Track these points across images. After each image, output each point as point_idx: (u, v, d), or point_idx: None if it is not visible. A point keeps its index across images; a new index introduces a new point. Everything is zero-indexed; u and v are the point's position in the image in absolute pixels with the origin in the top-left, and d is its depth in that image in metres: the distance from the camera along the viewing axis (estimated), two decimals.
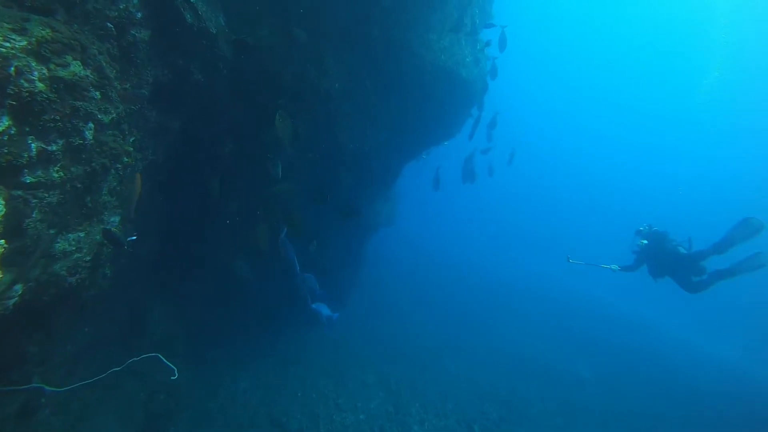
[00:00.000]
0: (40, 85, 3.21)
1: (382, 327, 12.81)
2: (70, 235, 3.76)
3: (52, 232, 3.64)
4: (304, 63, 7.18)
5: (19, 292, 3.41)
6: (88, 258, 3.91)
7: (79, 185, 3.72)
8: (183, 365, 7.63)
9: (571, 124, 61.84)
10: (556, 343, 14.66)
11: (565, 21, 52.15)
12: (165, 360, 4.32)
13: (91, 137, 3.72)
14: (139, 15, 4.36)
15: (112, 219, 4.34)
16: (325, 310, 9.58)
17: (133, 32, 4.15)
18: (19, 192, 3.30)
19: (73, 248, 3.77)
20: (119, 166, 4.24)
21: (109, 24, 3.90)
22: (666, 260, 8.02)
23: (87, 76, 3.62)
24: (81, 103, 3.57)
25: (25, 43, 3.11)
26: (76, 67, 3.48)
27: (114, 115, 4.02)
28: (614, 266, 8.62)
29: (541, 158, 57.63)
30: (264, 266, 8.74)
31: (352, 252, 12.17)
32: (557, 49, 55.48)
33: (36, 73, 3.19)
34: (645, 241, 8.37)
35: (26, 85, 3.12)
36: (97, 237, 4.01)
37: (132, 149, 4.47)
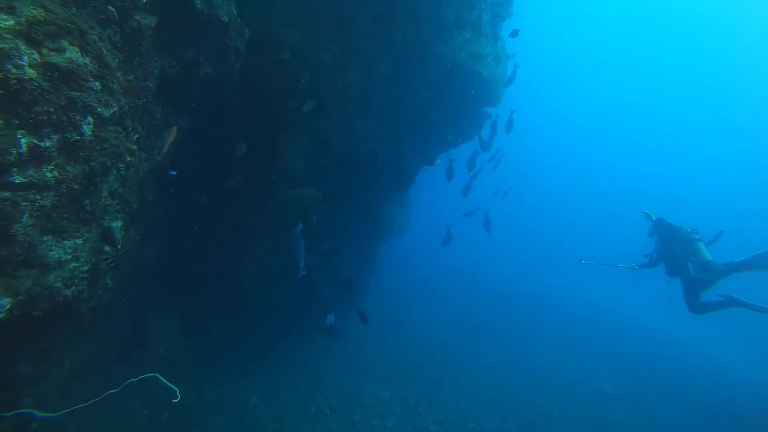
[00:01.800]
0: (31, 72, 2.82)
1: (395, 336, 12.32)
2: (66, 242, 3.35)
3: (45, 239, 3.25)
4: (321, 61, 6.80)
5: (7, 308, 3.00)
6: (86, 268, 3.50)
7: (76, 186, 3.32)
8: (188, 379, 7.23)
9: (588, 130, 61.17)
10: (576, 356, 14.05)
11: (576, 23, 51.80)
12: (165, 381, 3.89)
13: (89, 133, 3.32)
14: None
15: (113, 224, 3.93)
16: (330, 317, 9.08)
17: (137, 18, 3.76)
18: (7, 193, 2.90)
19: (70, 257, 3.36)
20: (121, 165, 3.85)
21: (110, 7, 3.51)
22: (678, 257, 7.43)
23: (86, 64, 3.24)
24: (78, 94, 3.18)
25: (12, 22, 2.72)
26: (73, 54, 3.09)
27: (116, 109, 3.63)
28: (632, 264, 8.16)
29: (561, 167, 57.14)
30: (272, 271, 8.36)
31: (364, 259, 11.73)
32: (579, 54, 54.99)
33: (26, 57, 2.80)
34: (653, 217, 7.93)
35: (14, 71, 2.73)
36: (97, 244, 3.61)
37: (136, 147, 4.08)
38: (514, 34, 10.01)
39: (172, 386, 3.87)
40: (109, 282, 4.29)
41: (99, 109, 3.38)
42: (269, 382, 8.45)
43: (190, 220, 7.23)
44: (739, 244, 9.75)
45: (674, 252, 7.55)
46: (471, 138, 11.21)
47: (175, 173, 5.16)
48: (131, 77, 3.91)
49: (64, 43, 3.02)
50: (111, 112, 3.56)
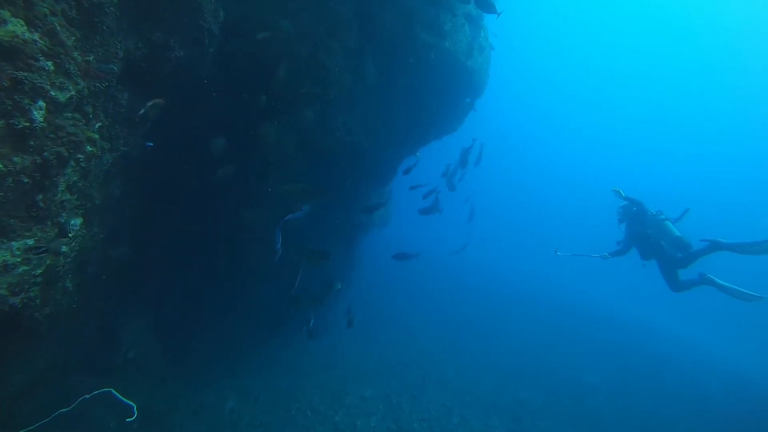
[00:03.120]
0: None
1: (376, 333, 12.12)
2: (13, 243, 2.96)
3: None
4: (301, 47, 6.43)
5: None
6: (39, 271, 3.12)
7: (25, 180, 2.93)
8: (162, 383, 6.84)
9: (568, 125, 62.12)
10: (559, 348, 14.18)
11: (565, 21, 52.24)
12: (119, 396, 3.55)
13: (41, 119, 2.93)
14: None
15: (72, 222, 3.54)
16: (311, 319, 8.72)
17: None
18: None
19: (18, 260, 2.97)
20: (81, 156, 3.45)
21: None
22: (651, 236, 7.46)
23: (34, 40, 2.84)
24: (26, 74, 2.79)
25: None
26: (17, 27, 2.69)
27: (73, 93, 3.24)
28: (603, 254, 8.20)
29: (531, 157, 57.85)
30: (252, 269, 8.00)
31: (347, 254, 11.45)
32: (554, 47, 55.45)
33: None
34: (622, 194, 7.94)
35: None
36: (53, 244, 3.22)
37: (98, 137, 3.68)
38: (496, 12, 9.58)
39: (127, 402, 3.53)
40: (69, 285, 3.89)
41: (52, 93, 2.99)
42: (249, 383, 8.13)
43: (164, 217, 6.80)
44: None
45: (646, 232, 7.57)
46: (455, 129, 11.02)
47: (151, 144, 4.76)
48: (91, 58, 3.50)
49: (5, 14, 2.62)
50: (67, 96, 3.17)
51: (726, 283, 6.91)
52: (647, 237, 7.54)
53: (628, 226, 7.99)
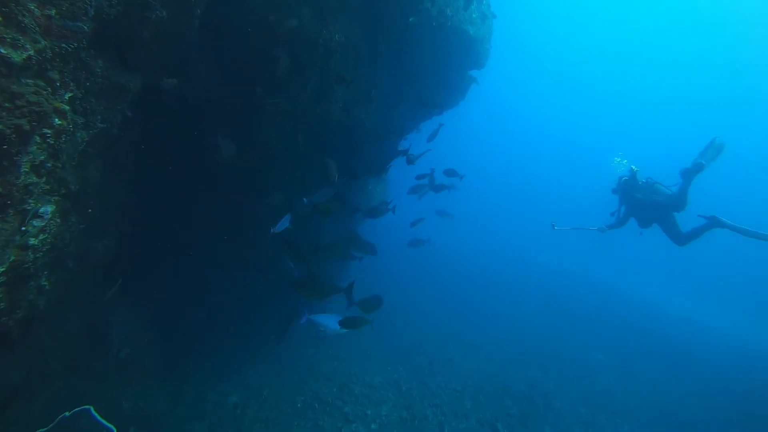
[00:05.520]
0: None
1: (378, 319, 11.76)
2: None
3: None
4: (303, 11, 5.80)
5: None
6: (0, 270, 2.60)
7: None
8: (161, 383, 6.39)
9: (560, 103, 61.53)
10: (562, 326, 14.00)
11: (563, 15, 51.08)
12: (97, 416, 3.09)
13: None
14: None
15: (41, 210, 3.00)
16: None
17: None
18: None
19: None
20: (48, 131, 2.90)
21: None
22: (646, 204, 7.47)
23: None
24: None
25: None
26: None
27: (32, 53, 2.67)
28: (601, 226, 8.14)
29: (529, 142, 57.54)
30: (255, 257, 7.51)
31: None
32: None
33: None
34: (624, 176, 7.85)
35: None
36: (17, 237, 2.70)
37: (68, 108, 3.11)
38: None
39: (105, 423, 3.08)
40: (45, 283, 3.37)
41: (2, 50, 2.42)
42: (250, 378, 7.74)
43: (156, 205, 6.23)
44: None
45: (639, 197, 7.54)
46: (457, 104, 10.47)
47: (131, 114, 4.19)
48: (52, 12, 2.92)
49: None
50: (23, 56, 2.60)
51: (736, 224, 6.78)
52: (641, 201, 7.52)
53: (622, 195, 7.87)
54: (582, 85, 59.21)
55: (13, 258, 2.67)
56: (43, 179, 3.00)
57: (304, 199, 5.88)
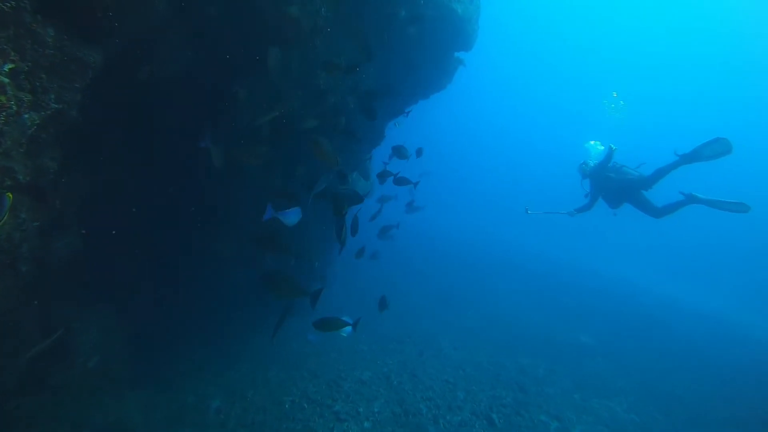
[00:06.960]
0: None
1: (362, 310, 11.46)
2: None
3: None
4: None
5: None
6: None
7: None
8: (135, 391, 5.89)
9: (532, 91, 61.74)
10: (548, 310, 14.09)
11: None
12: None
13: None
14: None
15: None
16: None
17: None
18: None
19: None
20: None
21: None
22: (618, 183, 7.52)
23: None
24: None
25: None
26: None
27: None
28: (570, 210, 8.25)
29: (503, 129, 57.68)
30: (234, 249, 7.01)
31: (322, 228, 10.52)
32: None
33: None
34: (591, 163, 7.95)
35: None
36: None
37: (8, 81, 2.58)
38: None
39: None
40: None
41: None
42: (232, 379, 7.29)
43: (124, 198, 5.64)
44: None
45: (610, 176, 7.59)
46: (443, 87, 10.11)
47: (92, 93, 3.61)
48: None
49: None
50: None
51: (709, 197, 6.88)
52: (611, 180, 7.56)
53: (592, 178, 7.90)
54: (573, 78, 59.42)
55: None
56: None
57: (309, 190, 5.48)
